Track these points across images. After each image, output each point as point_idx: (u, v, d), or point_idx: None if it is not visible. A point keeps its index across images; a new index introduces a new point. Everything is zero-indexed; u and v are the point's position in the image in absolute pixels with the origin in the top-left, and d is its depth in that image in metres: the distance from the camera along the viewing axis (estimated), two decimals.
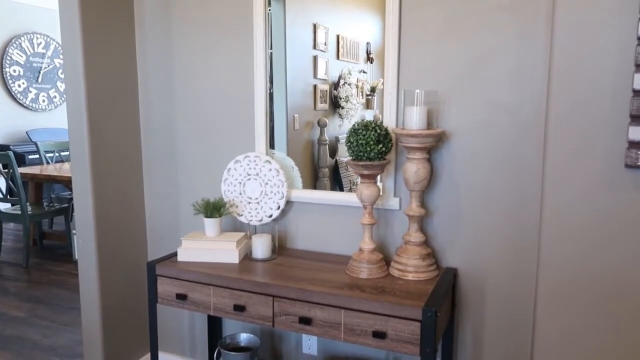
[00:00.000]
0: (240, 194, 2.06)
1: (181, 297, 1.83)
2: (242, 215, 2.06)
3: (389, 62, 1.80)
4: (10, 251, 4.54)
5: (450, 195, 1.79)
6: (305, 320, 1.62)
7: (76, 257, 2.29)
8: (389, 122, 1.82)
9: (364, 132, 1.67)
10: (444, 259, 1.84)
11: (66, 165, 4.71)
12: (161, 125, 2.28)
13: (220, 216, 1.95)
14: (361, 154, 1.68)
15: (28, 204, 4.28)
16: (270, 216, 2.03)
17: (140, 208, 2.36)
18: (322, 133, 2.13)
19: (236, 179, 2.06)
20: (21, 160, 5.56)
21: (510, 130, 1.66)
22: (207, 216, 1.94)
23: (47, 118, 6.43)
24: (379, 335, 1.52)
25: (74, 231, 3.91)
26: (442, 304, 1.58)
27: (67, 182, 4.20)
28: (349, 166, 1.81)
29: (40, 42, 6.26)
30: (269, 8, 2.01)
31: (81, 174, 2.12)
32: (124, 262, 2.29)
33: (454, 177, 1.78)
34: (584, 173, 1.42)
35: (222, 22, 2.09)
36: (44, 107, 6.35)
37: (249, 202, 2.05)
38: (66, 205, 4.41)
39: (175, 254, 1.95)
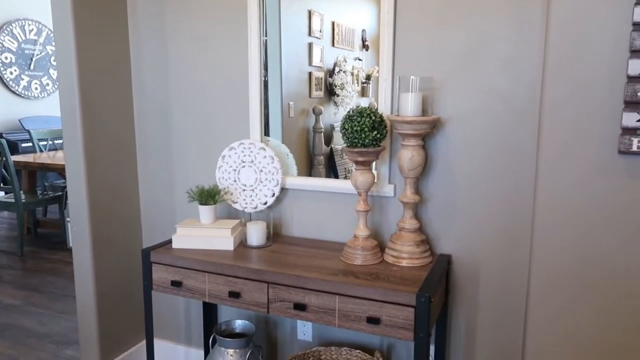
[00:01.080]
0: (235, 181, 2.05)
1: (176, 284, 1.83)
2: (236, 202, 2.06)
3: (384, 48, 1.79)
4: (4, 239, 4.52)
5: (445, 182, 1.79)
6: (300, 307, 1.63)
7: (70, 245, 2.28)
8: (384, 109, 1.82)
9: (358, 119, 1.67)
10: (438, 245, 1.85)
11: (60, 154, 4.68)
12: (155, 112, 2.27)
13: (214, 203, 1.95)
14: (356, 140, 1.68)
15: (22, 192, 4.25)
16: (265, 203, 2.03)
17: (134, 195, 2.35)
18: (317, 121, 2.12)
19: (231, 166, 2.05)
20: (14, 148, 5.52)
21: (505, 118, 1.66)
22: (201, 203, 1.94)
23: (40, 105, 6.37)
24: (373, 321, 1.53)
25: (68, 219, 3.90)
26: (436, 290, 1.59)
27: (60, 170, 4.18)
28: (344, 153, 1.80)
29: (32, 29, 6.18)
30: None
31: (74, 161, 2.10)
32: (118, 249, 2.28)
33: (449, 164, 1.78)
34: (578, 160, 1.42)
35: (217, 8, 2.06)
36: (36, 95, 6.30)
37: (244, 189, 2.05)
38: (60, 193, 4.40)
39: (170, 241, 1.95)
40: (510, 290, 1.75)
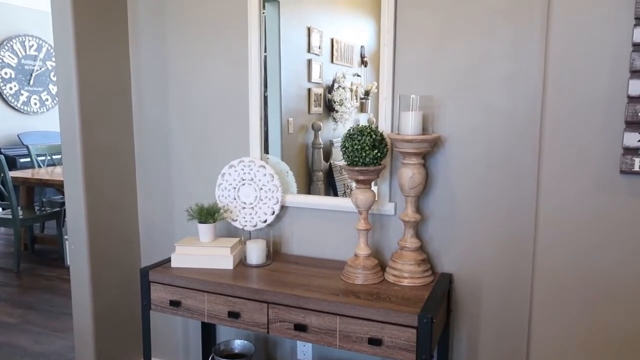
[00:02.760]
0: (235, 199, 2.04)
1: (175, 303, 1.81)
2: (236, 220, 2.05)
3: (384, 67, 1.80)
4: (1, 256, 4.49)
5: (446, 201, 1.79)
6: (301, 327, 1.61)
7: (68, 263, 2.26)
8: (384, 127, 1.82)
9: (359, 137, 1.66)
10: (440, 264, 1.83)
11: (58, 169, 4.66)
12: (155, 129, 2.26)
13: (214, 222, 1.94)
14: (356, 159, 1.67)
15: (19, 208, 4.23)
16: (265, 221, 2.02)
17: (133, 213, 2.33)
18: (316, 137, 2.12)
19: (230, 184, 2.05)
20: (13, 163, 5.50)
21: (505, 136, 1.66)
22: (201, 222, 1.93)
23: (38, 121, 6.37)
24: (375, 342, 1.51)
25: (65, 237, 3.87)
26: (438, 310, 1.57)
27: (59, 186, 4.16)
28: (344, 171, 1.80)
29: (33, 45, 6.21)
30: (263, 11, 2.00)
31: (73, 179, 2.09)
32: (116, 268, 2.26)
33: (450, 182, 1.77)
34: (580, 179, 1.42)
35: (217, 25, 2.07)
36: (35, 110, 6.30)
37: (244, 207, 2.04)
38: (58, 209, 4.37)
39: (168, 260, 1.93)
40: (513, 308, 1.73)
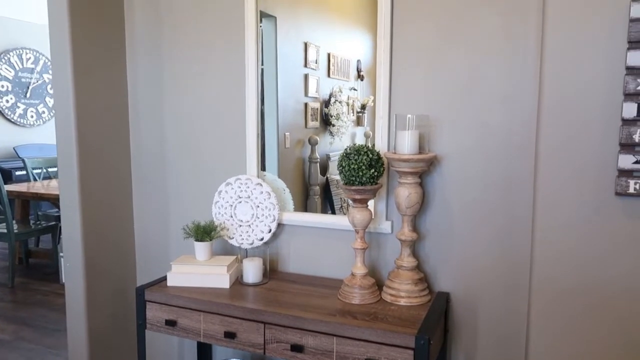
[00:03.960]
0: (232, 216, 2.04)
1: (170, 323, 1.80)
2: (233, 238, 2.04)
3: (381, 87, 1.81)
4: None
5: (442, 220, 1.79)
6: (297, 348, 1.60)
7: (63, 281, 2.24)
8: (381, 146, 1.82)
9: (356, 157, 1.67)
10: (436, 283, 1.83)
11: (54, 182, 4.65)
12: (151, 146, 2.26)
13: (211, 240, 1.93)
14: (353, 178, 1.67)
15: (14, 221, 4.20)
16: (262, 239, 2.01)
17: (129, 230, 2.32)
18: (313, 151, 2.13)
19: (227, 202, 2.04)
20: (8, 176, 5.49)
21: (501, 156, 1.67)
22: (197, 240, 1.92)
23: (35, 133, 6.37)
24: None
25: (61, 254, 3.86)
26: (435, 330, 1.57)
27: (54, 200, 4.15)
28: (340, 188, 1.80)
29: (30, 57, 6.22)
30: (260, 25, 2.02)
31: (69, 196, 2.09)
32: (112, 286, 2.25)
33: (446, 201, 1.78)
34: (575, 200, 1.42)
35: (214, 40, 2.08)
36: (32, 123, 6.30)
37: (240, 225, 2.04)
38: (53, 223, 4.35)
39: (164, 279, 1.92)
40: (510, 328, 1.73)
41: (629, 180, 1.30)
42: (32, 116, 6.29)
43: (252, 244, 2.02)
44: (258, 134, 2.05)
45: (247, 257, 1.97)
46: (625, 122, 1.29)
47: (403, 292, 1.70)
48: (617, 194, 1.32)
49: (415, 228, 1.77)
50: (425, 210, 1.81)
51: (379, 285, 1.79)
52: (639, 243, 1.35)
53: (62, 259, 3.76)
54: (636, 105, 1.27)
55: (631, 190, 1.30)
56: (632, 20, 1.25)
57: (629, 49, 1.27)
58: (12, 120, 6.07)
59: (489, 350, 1.78)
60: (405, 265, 1.73)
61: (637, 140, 1.28)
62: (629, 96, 1.28)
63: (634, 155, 1.29)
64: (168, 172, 2.25)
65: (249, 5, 1.97)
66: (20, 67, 6.13)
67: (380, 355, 1.50)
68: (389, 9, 1.76)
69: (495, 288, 1.74)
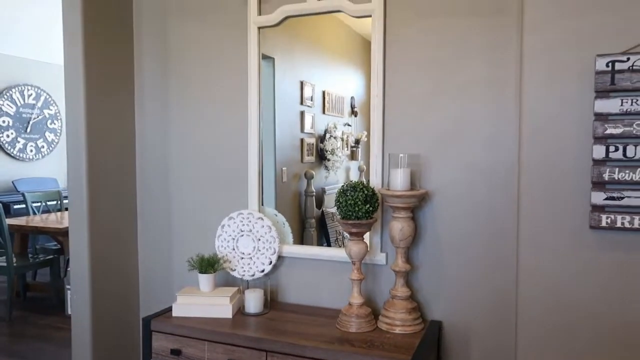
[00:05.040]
0: (234, 249, 2.14)
1: (176, 352, 1.87)
2: (235, 270, 2.14)
3: (374, 128, 1.94)
4: None
5: (434, 251, 1.91)
6: None
7: (69, 312, 2.31)
8: (375, 182, 1.95)
9: (352, 193, 1.79)
10: (429, 312, 1.93)
11: (52, 216, 4.72)
12: (156, 182, 2.38)
13: (214, 272, 2.03)
14: (350, 213, 1.79)
15: (13, 255, 4.25)
16: (263, 271, 2.11)
17: (134, 263, 2.41)
18: (309, 185, 2.22)
19: (229, 235, 2.15)
20: (6, 210, 5.54)
21: (487, 192, 1.80)
22: (201, 272, 2.02)
23: (33, 167, 6.46)
24: None
25: (67, 286, 3.93)
26: (429, 357, 1.66)
27: (54, 233, 4.21)
28: (337, 222, 1.91)
29: (31, 94, 6.38)
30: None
31: (78, 231, 2.18)
32: (117, 316, 2.32)
33: (437, 234, 1.90)
34: (554, 233, 1.55)
35: (218, 81, 2.22)
36: (31, 157, 6.40)
37: (242, 258, 2.14)
38: (52, 256, 4.40)
39: (169, 309, 2.00)
40: (500, 356, 1.82)
41: (601, 215, 1.43)
42: (31, 150, 6.40)
43: (253, 275, 2.12)
44: (259, 171, 2.17)
45: (248, 288, 2.07)
46: (596, 162, 1.43)
47: (398, 321, 1.80)
48: (591, 227, 1.45)
49: (408, 260, 1.88)
50: (418, 243, 1.92)
51: (375, 314, 1.89)
52: (611, 271, 1.47)
53: (68, 291, 3.82)
54: (604, 147, 1.42)
55: (603, 224, 1.43)
56: (598, 73, 1.41)
57: (596, 97, 1.43)
58: (12, 154, 6.18)
59: None
60: (400, 295, 1.83)
61: (606, 179, 1.42)
62: (597, 139, 1.43)
63: (604, 192, 1.43)
64: (172, 207, 2.36)
65: (252, 52, 2.12)
66: (22, 102, 6.27)
67: None
68: (382, 59, 1.92)
69: (485, 318, 1.84)
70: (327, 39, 2.21)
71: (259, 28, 2.11)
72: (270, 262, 2.10)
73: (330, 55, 2.23)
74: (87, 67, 2.14)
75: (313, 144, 2.21)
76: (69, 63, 2.15)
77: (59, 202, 5.24)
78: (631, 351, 1.51)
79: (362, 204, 1.78)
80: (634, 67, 1.38)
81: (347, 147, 2.18)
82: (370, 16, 1.92)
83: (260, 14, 2.11)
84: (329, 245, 2.24)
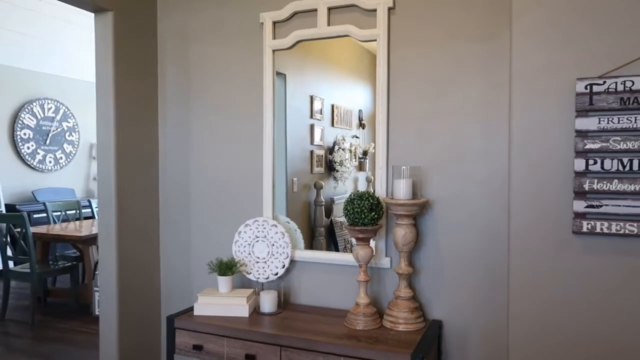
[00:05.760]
0: (250, 254, 2.32)
1: (197, 347, 2.05)
2: (250, 273, 2.31)
3: (380, 143, 2.12)
4: (14, 309, 4.66)
5: (435, 256, 2.07)
6: None
7: (97, 312, 2.49)
8: (380, 192, 2.13)
9: (359, 202, 1.97)
10: (430, 311, 2.09)
11: (71, 225, 4.93)
12: (178, 192, 2.57)
13: (232, 274, 2.20)
14: (357, 220, 1.97)
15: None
16: (276, 274, 2.29)
17: (156, 266, 2.60)
18: (318, 195, 2.36)
19: (246, 241, 2.33)
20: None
21: (481, 201, 1.98)
22: (220, 274, 2.19)
23: (51, 178, 6.70)
24: None
25: (96, 288, 4.21)
26: (429, 351, 1.82)
27: (74, 241, 4.42)
28: (345, 229, 2.08)
29: (51, 107, 6.64)
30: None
31: (107, 237, 2.37)
32: (140, 315, 2.50)
33: (437, 240, 2.07)
34: (541, 238, 1.70)
35: (235, 104, 2.42)
36: (50, 168, 6.64)
37: (257, 262, 2.31)
38: (71, 263, 4.60)
39: (191, 309, 2.18)
40: (495, 352, 1.98)
41: (582, 222, 1.59)
42: (50, 162, 6.64)
43: (267, 278, 2.29)
44: (273, 183, 2.34)
45: (263, 289, 2.24)
46: (577, 174, 1.60)
47: (401, 319, 1.96)
48: (574, 232, 1.61)
49: (411, 263, 2.04)
50: (420, 248, 2.09)
51: (380, 313, 2.05)
52: (591, 272, 1.63)
53: (96, 293, 4.11)
54: (584, 161, 1.58)
55: (584, 229, 1.59)
56: (577, 95, 1.58)
57: (576, 116, 1.59)
58: (32, 165, 6.42)
59: None
60: (403, 296, 2.00)
61: (587, 189, 1.58)
62: (578, 154, 1.59)
63: (585, 201, 1.59)
64: (192, 215, 2.54)
65: (267, 73, 2.31)
66: (42, 115, 6.53)
67: None
68: (386, 79, 2.10)
69: (481, 318, 2.00)
70: (335, 55, 2.32)
71: (274, 51, 2.31)
72: (284, 266, 2.28)
73: (338, 70, 2.34)
74: (116, 89, 2.34)
75: (322, 156, 2.32)
76: (100, 86, 2.36)
77: (77, 212, 5.46)
78: (612, 341, 1.65)
79: (367, 212, 1.95)
80: (609, 90, 1.55)
81: (355, 158, 2.28)
82: (375, 40, 2.11)
83: (274, 37, 2.31)
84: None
